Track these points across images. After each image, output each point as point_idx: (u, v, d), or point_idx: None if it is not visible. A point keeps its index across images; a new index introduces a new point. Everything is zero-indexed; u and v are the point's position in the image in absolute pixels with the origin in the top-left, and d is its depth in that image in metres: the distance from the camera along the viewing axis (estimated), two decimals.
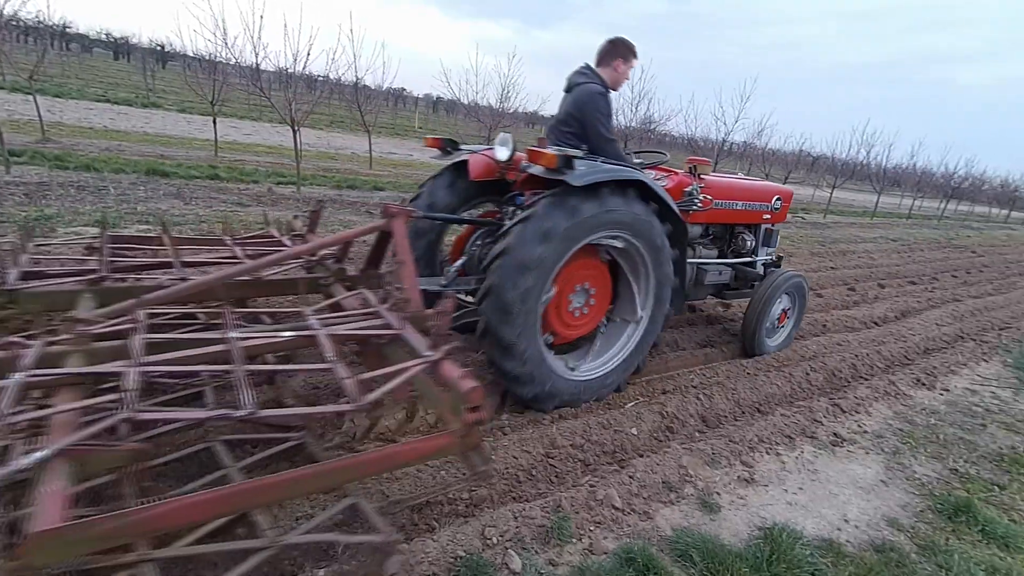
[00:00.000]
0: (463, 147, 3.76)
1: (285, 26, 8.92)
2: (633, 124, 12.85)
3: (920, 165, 25.34)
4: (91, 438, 1.39)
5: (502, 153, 3.36)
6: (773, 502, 2.73)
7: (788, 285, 4.48)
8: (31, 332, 2.02)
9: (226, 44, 9.03)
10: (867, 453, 3.34)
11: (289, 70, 8.46)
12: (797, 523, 2.57)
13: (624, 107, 12.71)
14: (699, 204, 3.88)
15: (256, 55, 8.52)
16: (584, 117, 3.35)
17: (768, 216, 4.64)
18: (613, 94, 3.52)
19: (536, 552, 2.14)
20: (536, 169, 2.86)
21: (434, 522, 2.21)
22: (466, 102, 11.34)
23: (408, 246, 2.68)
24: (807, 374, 4.23)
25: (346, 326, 2.22)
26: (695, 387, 3.81)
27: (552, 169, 2.75)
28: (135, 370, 1.64)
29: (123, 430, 1.46)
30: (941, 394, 4.44)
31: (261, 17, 8.49)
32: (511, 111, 11.54)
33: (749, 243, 4.59)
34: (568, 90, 3.53)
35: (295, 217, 3.86)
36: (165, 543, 1.62)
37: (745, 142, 19.24)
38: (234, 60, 9.23)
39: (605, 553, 2.19)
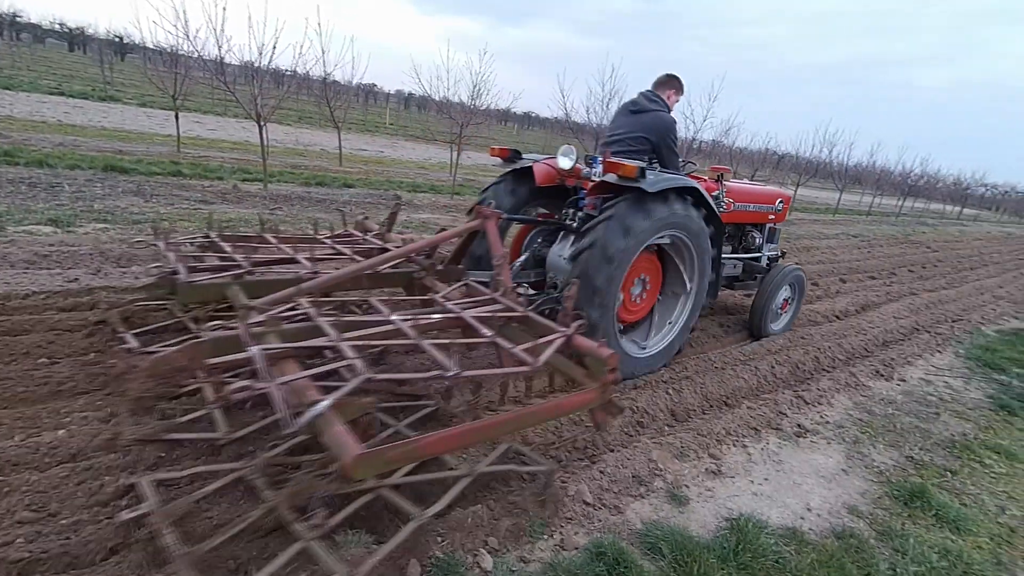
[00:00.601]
0: (525, 156, 4.23)
1: (249, 18, 8.69)
2: (604, 123, 12.91)
3: (879, 164, 26.29)
4: (345, 395, 1.83)
5: (565, 163, 3.81)
6: (740, 493, 2.80)
7: (790, 277, 5.01)
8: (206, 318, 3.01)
9: (188, 36, 8.74)
10: (829, 443, 3.45)
11: (255, 64, 8.24)
12: (762, 513, 2.64)
13: (595, 105, 12.81)
14: (724, 207, 4.33)
15: (220, 48, 8.28)
16: (660, 139, 3.97)
17: (772, 216, 5.17)
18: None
19: (508, 550, 2.14)
20: (611, 177, 3.34)
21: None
22: (437, 99, 11.25)
23: (500, 242, 3.27)
24: (772, 367, 4.34)
25: (478, 309, 2.73)
26: (664, 382, 3.86)
27: (631, 178, 3.22)
28: (345, 344, 2.12)
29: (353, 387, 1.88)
30: (898, 384, 4.61)
31: (224, 9, 8.24)
32: (483, 108, 11.49)
33: (757, 240, 5.15)
34: (636, 111, 4.05)
35: (365, 218, 4.51)
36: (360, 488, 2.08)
37: (714, 140, 19.60)
38: (196, 53, 8.92)
39: (576, 548, 2.20)
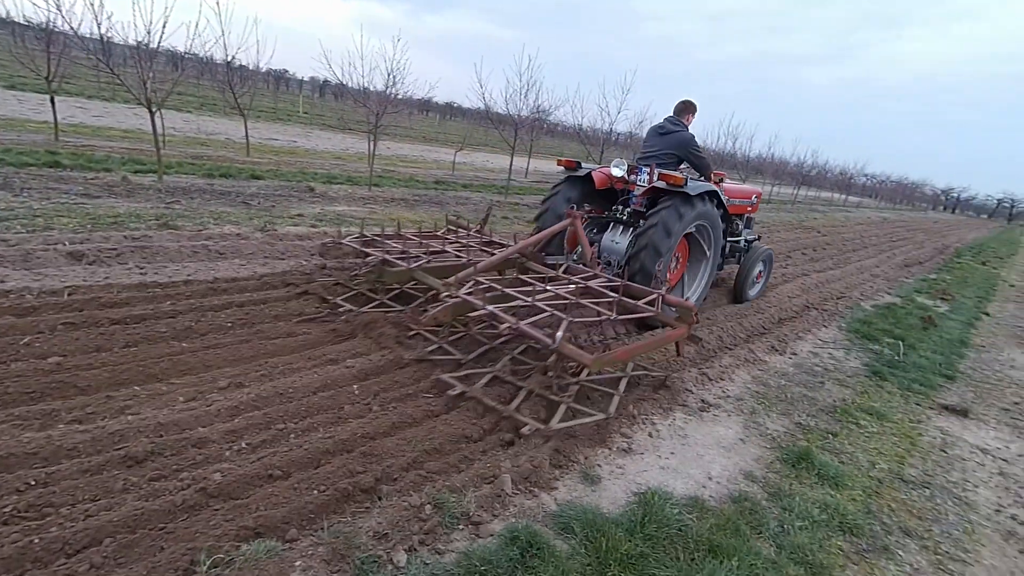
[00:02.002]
0: (584, 165, 5.45)
1: None
2: (523, 113, 13.02)
3: (776, 155, 28.35)
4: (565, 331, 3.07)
5: (618, 172, 5.18)
6: (648, 468, 2.95)
7: (763, 255, 6.48)
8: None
9: (59, 10, 7.83)
10: (729, 415, 3.72)
11: (145, 45, 7.52)
12: (668, 485, 2.80)
13: (514, 96, 12.87)
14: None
15: (99, 25, 7.48)
16: (685, 153, 5.35)
17: (750, 208, 6.77)
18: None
19: (424, 544, 2.14)
20: (661, 183, 4.83)
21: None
22: (353, 86, 10.83)
23: (586, 237, 4.71)
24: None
25: (592, 281, 4.03)
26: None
27: (680, 185, 4.64)
28: (540, 303, 3.37)
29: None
30: (790, 358, 5.04)
31: None
32: (399, 97, 11.20)
33: (739, 227, 6.54)
34: (664, 133, 5.38)
35: (457, 216, 5.93)
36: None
37: (630, 133, 20.31)
38: (70, 29, 8.01)
39: (491, 535, 2.23)
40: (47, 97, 9.82)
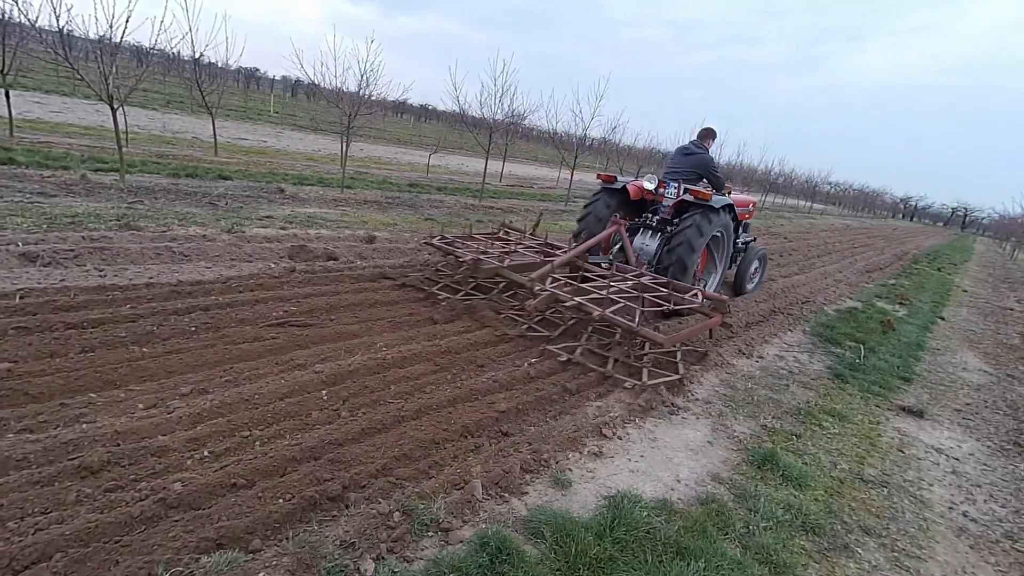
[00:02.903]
0: (620, 179, 6.32)
1: None
2: (498, 116, 13.04)
3: (745, 162, 29.06)
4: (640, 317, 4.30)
5: (649, 185, 6.20)
6: (618, 471, 2.98)
7: (759, 254, 7.49)
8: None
9: (15, 2, 7.51)
10: (698, 418, 3.78)
11: (108, 38, 7.26)
12: (638, 488, 2.83)
13: (488, 99, 12.88)
14: None
15: (58, 18, 7.20)
16: (705, 171, 6.33)
17: (747, 215, 7.48)
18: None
19: (392, 552, 2.11)
20: (688, 197, 5.77)
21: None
22: (325, 86, 10.66)
23: (629, 240, 5.94)
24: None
25: (642, 279, 5.09)
26: (555, 371, 4.00)
27: (706, 199, 5.60)
28: (612, 295, 4.44)
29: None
30: (757, 361, 5.16)
31: None
32: (373, 98, 11.08)
33: (739, 231, 7.16)
34: (688, 154, 6.35)
35: (511, 223, 7.22)
36: None
37: (604, 138, 20.52)
38: (26, 20, 7.70)
39: (461, 542, 2.22)
40: (1, 91, 9.42)
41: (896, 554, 2.72)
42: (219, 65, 14.52)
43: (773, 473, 3.22)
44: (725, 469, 3.20)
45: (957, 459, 3.88)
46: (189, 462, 2.40)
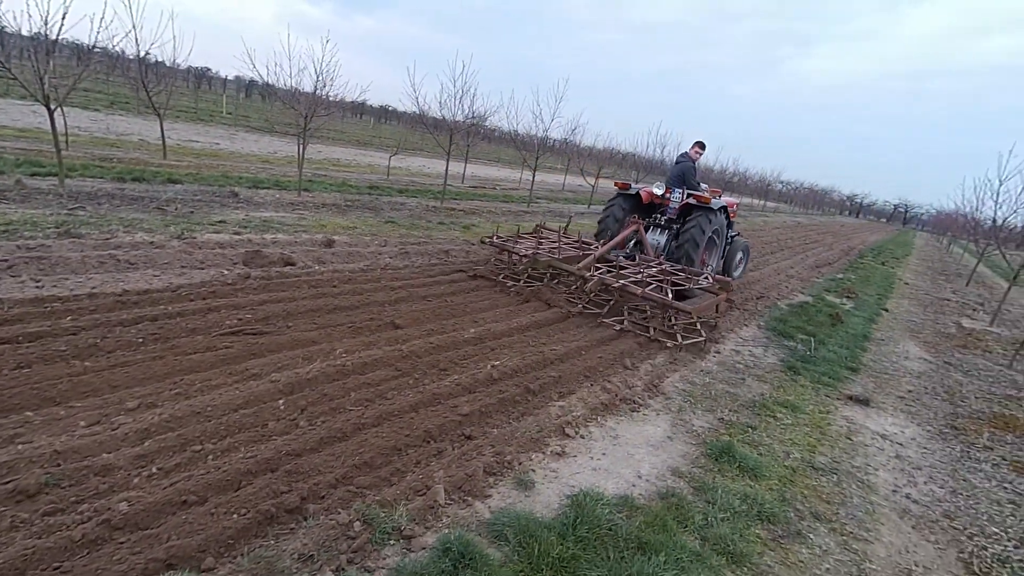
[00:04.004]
0: (634, 185, 7.67)
1: None
2: (458, 118, 12.96)
3: (702, 162, 29.86)
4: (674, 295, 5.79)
5: (658, 191, 7.49)
6: (581, 470, 3.01)
7: (742, 246, 8.58)
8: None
9: None
10: (658, 414, 3.86)
11: (43, 36, 6.85)
12: (600, 486, 2.87)
13: (448, 101, 12.79)
14: None
15: None
16: (686, 179, 7.46)
17: (734, 214, 8.30)
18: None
19: (352, 563, 2.07)
20: (692, 201, 7.08)
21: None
22: (281, 87, 10.37)
23: (647, 238, 7.21)
24: (619, 351, 4.73)
25: (662, 267, 6.43)
26: (519, 372, 4.02)
27: (707, 203, 6.88)
28: (648, 278, 5.95)
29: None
30: (714, 356, 5.30)
31: None
32: (330, 98, 10.85)
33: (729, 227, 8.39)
34: (677, 162, 7.70)
35: (545, 224, 8.65)
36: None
37: (565, 140, 20.70)
38: None
39: (424, 549, 2.20)
40: None
41: (845, 538, 2.85)
42: (167, 64, 13.92)
43: (730, 465, 3.31)
44: (684, 463, 3.28)
45: (900, 444, 4.09)
46: (136, 480, 2.30)
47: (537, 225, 8.15)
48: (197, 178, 9.55)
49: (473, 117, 14.05)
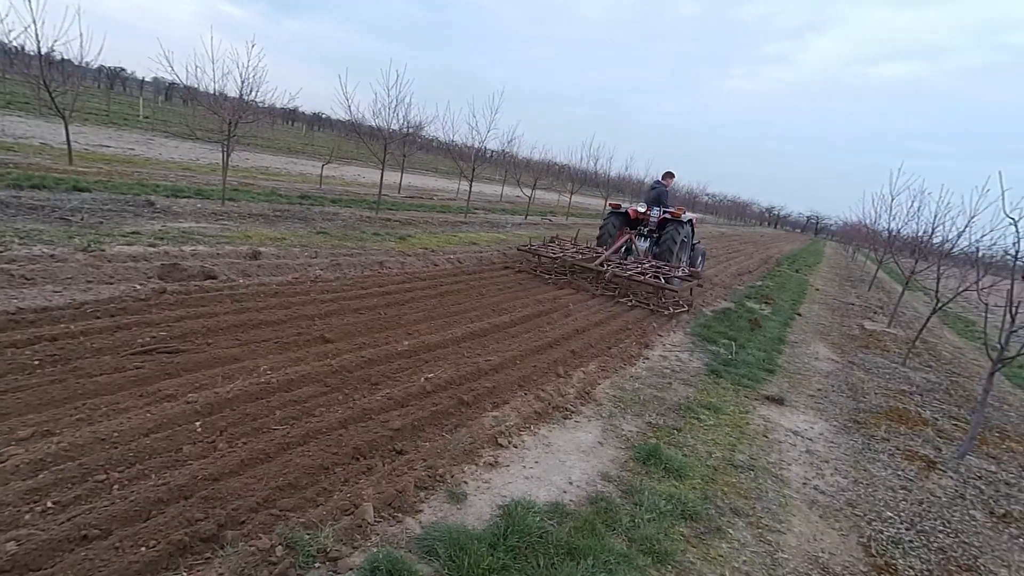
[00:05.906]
0: (624, 205, 10.14)
1: None
2: (393, 127, 12.83)
3: (634, 175, 31.00)
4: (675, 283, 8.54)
5: (642, 208, 9.87)
6: (513, 480, 3.03)
7: (702, 251, 10.91)
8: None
9: None
10: (589, 420, 3.96)
11: None
12: (532, 494, 2.90)
13: (382, 110, 12.62)
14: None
15: None
16: (662, 201, 9.76)
17: (696, 225, 10.42)
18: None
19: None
20: (668, 214, 9.61)
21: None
22: (205, 90, 9.86)
23: (639, 246, 10.01)
24: (554, 359, 4.81)
25: (653, 263, 9.12)
26: (453, 383, 4.01)
27: (679, 217, 9.50)
28: (649, 271, 8.53)
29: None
30: (644, 362, 5.51)
31: None
32: (258, 104, 10.45)
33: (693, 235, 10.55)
34: (652, 188, 10.06)
35: (557, 236, 11.24)
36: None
37: (503, 151, 20.90)
38: None
39: (351, 569, 2.15)
40: None
41: (760, 530, 3.03)
42: (74, 63, 12.91)
43: (657, 467, 3.44)
44: (614, 468, 3.38)
45: (810, 439, 4.40)
46: (28, 516, 2.10)
47: (554, 236, 10.89)
48: (108, 186, 8.89)
49: (409, 127, 13.94)
